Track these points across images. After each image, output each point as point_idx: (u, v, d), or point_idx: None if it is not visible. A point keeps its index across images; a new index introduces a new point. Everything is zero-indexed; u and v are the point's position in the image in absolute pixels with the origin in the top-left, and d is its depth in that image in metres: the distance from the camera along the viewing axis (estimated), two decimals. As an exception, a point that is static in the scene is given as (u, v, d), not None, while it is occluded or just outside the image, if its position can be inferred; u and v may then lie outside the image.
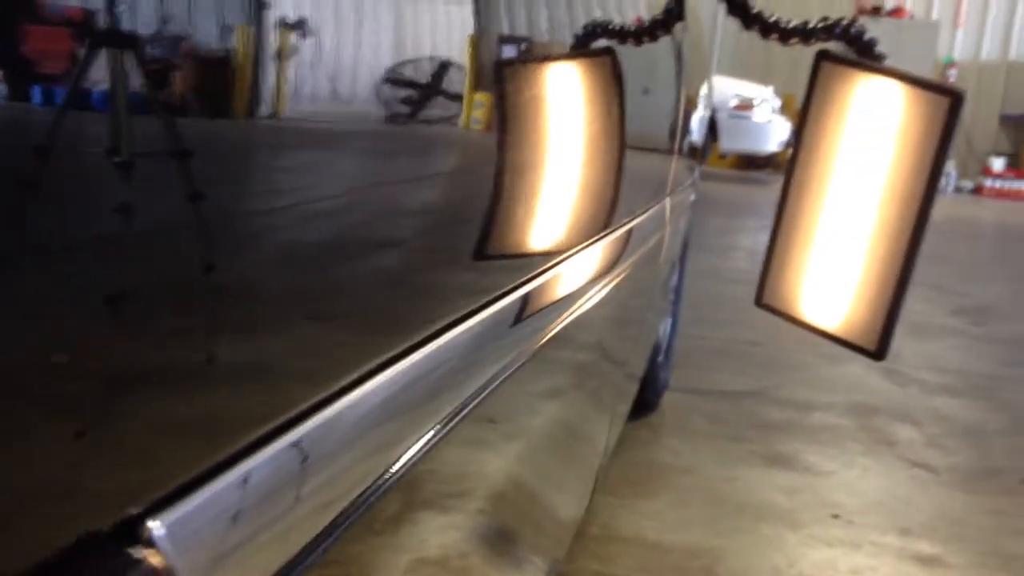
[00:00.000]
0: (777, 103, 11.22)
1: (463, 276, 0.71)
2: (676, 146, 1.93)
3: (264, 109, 0.39)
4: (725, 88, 10.13)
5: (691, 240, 3.07)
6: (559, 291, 0.99)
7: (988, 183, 12.98)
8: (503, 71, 0.73)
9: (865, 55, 1.19)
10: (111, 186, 0.30)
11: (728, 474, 2.46)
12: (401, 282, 0.57)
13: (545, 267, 0.92)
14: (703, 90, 2.56)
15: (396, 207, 0.55)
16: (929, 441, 2.82)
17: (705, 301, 4.22)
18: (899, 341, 1.07)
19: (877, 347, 1.14)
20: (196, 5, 0.33)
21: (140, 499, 0.33)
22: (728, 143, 10.74)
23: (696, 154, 2.56)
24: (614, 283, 1.30)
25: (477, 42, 0.64)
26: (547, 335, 0.92)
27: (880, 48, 1.19)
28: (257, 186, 0.41)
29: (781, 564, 2.00)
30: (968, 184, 13.18)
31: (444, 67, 0.57)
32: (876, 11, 12.72)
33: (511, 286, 0.81)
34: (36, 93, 0.28)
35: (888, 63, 1.13)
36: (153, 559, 0.32)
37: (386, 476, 0.51)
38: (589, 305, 1.13)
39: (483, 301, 0.72)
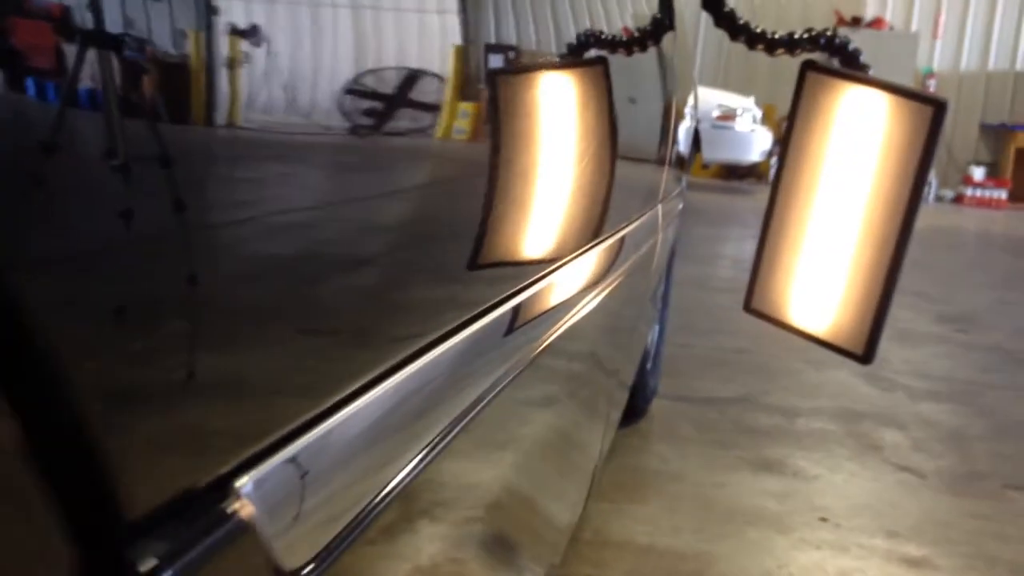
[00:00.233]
0: (759, 113, 11.28)
1: (460, 286, 0.73)
2: (667, 155, 1.96)
3: (224, 116, 0.38)
4: (707, 98, 10.18)
5: (678, 249, 3.10)
6: (558, 298, 1.01)
7: (968, 192, 13.07)
8: (497, 80, 0.75)
9: (849, 65, 1.21)
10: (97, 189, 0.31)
11: (717, 479, 2.48)
12: (394, 294, 0.57)
13: (545, 274, 0.94)
14: (690, 100, 2.59)
15: (384, 219, 0.55)
16: (915, 446, 2.86)
17: (691, 309, 4.25)
18: (884, 347, 1.10)
19: (864, 351, 1.16)
20: (152, 9, 0.32)
21: (230, 461, 0.39)
22: (711, 153, 10.78)
23: (683, 164, 2.59)
24: (610, 290, 1.33)
25: (462, 52, 0.63)
26: (544, 343, 0.94)
27: (864, 58, 1.22)
28: (239, 195, 0.40)
29: (771, 566, 2.02)
30: (949, 193, 13.26)
31: (412, 77, 0.56)
32: (856, 22, 12.79)
33: (511, 292, 0.83)
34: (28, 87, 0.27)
35: (871, 73, 1.16)
36: (244, 511, 0.38)
37: (394, 484, 0.53)
38: (586, 312, 1.15)
39: (480, 310, 0.74)
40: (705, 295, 4.79)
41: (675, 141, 2.12)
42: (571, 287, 1.09)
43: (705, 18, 1.46)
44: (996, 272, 7.15)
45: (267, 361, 0.43)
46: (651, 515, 2.23)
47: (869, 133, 1.11)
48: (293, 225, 0.43)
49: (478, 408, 0.70)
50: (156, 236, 0.34)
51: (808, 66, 1.16)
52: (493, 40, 0.75)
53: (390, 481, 0.53)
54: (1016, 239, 9.42)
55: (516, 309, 0.84)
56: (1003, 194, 12.95)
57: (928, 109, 1.07)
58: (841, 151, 1.14)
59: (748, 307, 1.26)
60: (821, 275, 1.18)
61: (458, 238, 0.69)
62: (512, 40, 0.82)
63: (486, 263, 0.77)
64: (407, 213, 0.59)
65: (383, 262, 0.55)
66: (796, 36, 1.32)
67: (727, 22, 1.36)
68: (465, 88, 0.64)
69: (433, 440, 0.60)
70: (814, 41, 1.30)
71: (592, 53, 1.07)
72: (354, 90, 0.48)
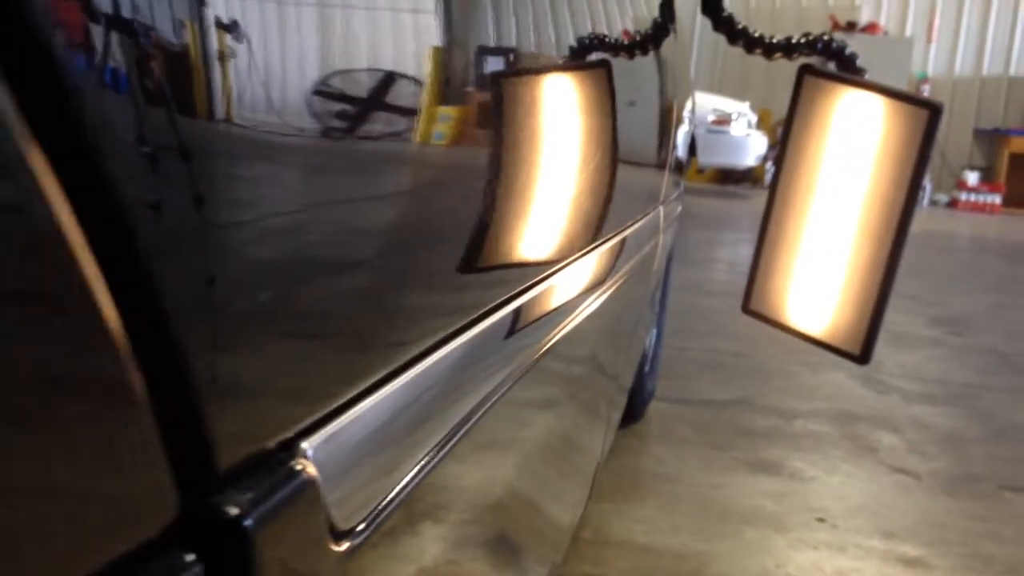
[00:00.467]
0: (754, 118, 11.30)
1: (469, 288, 0.74)
2: (668, 159, 1.99)
3: (222, 110, 0.38)
4: (703, 103, 10.20)
5: (675, 252, 3.12)
6: (564, 299, 1.03)
7: (963, 197, 13.10)
8: (499, 83, 0.76)
9: (846, 69, 1.23)
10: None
11: (714, 480, 2.50)
12: (396, 297, 0.58)
13: (551, 274, 0.96)
14: (688, 105, 2.61)
15: (386, 222, 0.55)
16: (910, 448, 2.88)
17: (687, 312, 4.27)
18: (879, 350, 1.11)
19: (861, 351, 1.17)
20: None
21: (295, 426, 0.44)
22: (706, 157, 10.78)
23: (681, 168, 2.61)
24: (612, 291, 1.35)
25: (442, 54, 0.62)
26: (550, 344, 0.96)
27: (860, 62, 1.24)
28: (237, 192, 0.40)
29: (769, 566, 2.04)
30: (943, 198, 13.30)
31: (387, 80, 0.53)
32: (851, 27, 12.82)
33: (518, 292, 0.85)
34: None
35: (867, 77, 1.17)
36: (309, 470, 0.43)
37: (397, 489, 0.55)
38: (590, 313, 1.17)
39: (488, 310, 0.76)
40: (701, 298, 4.80)
41: (675, 145, 2.14)
42: (577, 288, 1.11)
43: (700, 22, 1.47)
44: (990, 276, 7.17)
45: (274, 363, 0.45)
46: (649, 515, 2.25)
47: (865, 136, 1.13)
48: (293, 226, 0.44)
49: (482, 410, 0.71)
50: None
51: (806, 70, 1.17)
52: (474, 43, 0.76)
53: (393, 488, 0.55)
54: (1010, 244, 9.45)
55: (523, 309, 0.85)
56: (997, 199, 12.98)
57: (924, 112, 1.09)
58: (838, 154, 1.15)
59: (746, 308, 1.27)
60: (818, 277, 1.18)
61: (467, 241, 0.70)
62: (512, 42, 0.83)
63: (495, 265, 0.79)
64: (409, 216, 0.59)
65: (378, 267, 0.55)
66: (794, 40, 1.33)
67: (726, 27, 1.38)
68: (446, 92, 0.63)
69: (439, 442, 0.61)
70: (811, 45, 1.31)
71: (593, 56, 1.08)
72: (323, 92, 0.48)
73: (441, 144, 0.65)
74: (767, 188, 1.19)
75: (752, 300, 1.26)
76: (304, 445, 0.44)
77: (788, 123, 1.17)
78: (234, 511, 0.36)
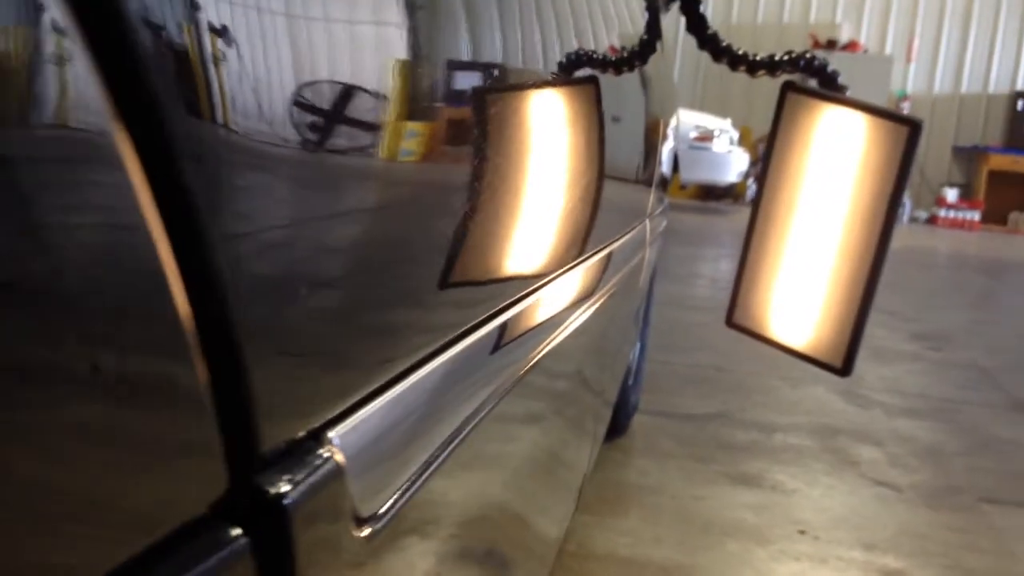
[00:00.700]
0: (735, 135, 11.37)
1: (459, 302, 0.75)
2: (654, 174, 2.01)
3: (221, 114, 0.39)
4: (685, 120, 10.26)
5: (658, 267, 3.14)
6: (552, 312, 1.05)
7: (942, 213, 13.22)
8: (484, 98, 0.77)
9: (828, 87, 1.25)
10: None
11: (697, 493, 2.52)
12: (380, 313, 0.59)
13: (539, 287, 0.98)
14: (672, 121, 2.63)
15: (365, 236, 0.56)
16: (891, 461, 2.90)
17: (669, 327, 4.29)
18: (860, 365, 1.13)
19: (843, 364, 1.19)
20: None
21: (322, 416, 0.47)
22: (688, 174, 10.84)
23: (665, 184, 2.63)
24: (600, 304, 1.36)
25: (409, 68, 0.59)
26: (538, 358, 0.97)
27: (842, 80, 1.26)
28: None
29: (751, 578, 2.06)
30: (923, 214, 13.41)
31: (348, 93, 0.51)
32: (831, 45, 12.94)
33: (506, 305, 0.86)
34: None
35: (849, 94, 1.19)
36: (337, 457, 0.46)
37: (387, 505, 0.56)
38: (577, 327, 1.19)
39: (479, 323, 0.77)
40: (683, 313, 4.83)
41: (660, 160, 2.17)
42: (567, 300, 1.12)
43: (682, 40, 1.49)
44: (969, 292, 7.24)
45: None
46: (632, 527, 2.26)
47: (847, 152, 1.14)
48: (265, 243, 0.45)
49: (468, 426, 0.72)
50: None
51: (788, 87, 1.18)
52: (443, 58, 0.77)
53: (383, 504, 0.56)
54: (988, 260, 9.54)
55: (512, 322, 0.87)
56: (976, 215, 13.11)
57: (904, 129, 1.10)
58: (820, 169, 1.16)
59: (730, 322, 1.28)
60: (801, 290, 1.19)
61: (459, 254, 0.72)
62: (504, 58, 0.84)
63: (486, 279, 0.81)
64: (388, 230, 0.59)
65: (362, 284, 0.56)
66: (777, 58, 1.35)
67: (710, 45, 1.39)
68: (413, 107, 0.61)
69: (427, 459, 0.62)
70: (794, 63, 1.33)
71: (582, 72, 1.10)
72: (300, 103, 0.47)
73: (442, 158, 0.67)
74: (749, 204, 1.21)
75: (736, 314, 1.27)
76: (331, 434, 0.47)
77: (771, 139, 1.18)
78: (276, 490, 0.40)
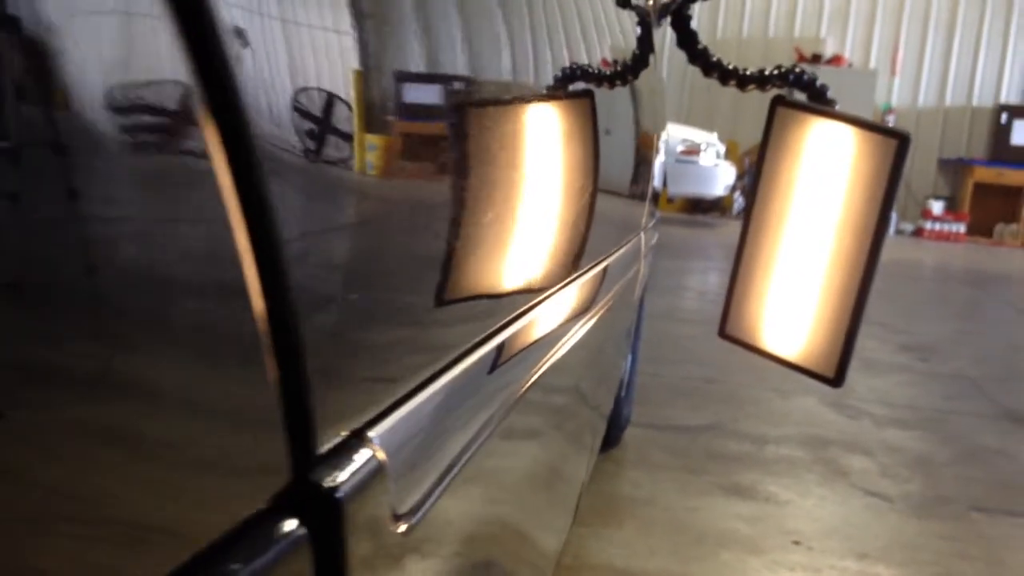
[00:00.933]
0: (722, 148, 11.41)
1: (460, 319, 0.76)
2: (648, 187, 2.03)
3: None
4: (672, 133, 10.30)
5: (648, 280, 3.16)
6: (550, 328, 1.06)
7: (928, 226, 13.27)
8: (469, 112, 0.78)
9: (817, 100, 1.27)
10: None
11: (690, 504, 2.53)
12: (402, 325, 0.61)
13: (538, 302, 1.00)
14: (663, 135, 2.66)
15: (371, 249, 0.56)
16: (882, 471, 2.92)
17: (659, 340, 4.31)
18: (848, 376, 1.14)
19: (835, 374, 1.20)
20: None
21: (363, 417, 0.51)
22: (676, 187, 10.86)
23: (657, 197, 2.65)
24: (599, 319, 1.38)
25: (363, 78, 0.55)
26: (538, 373, 0.98)
27: (831, 94, 1.28)
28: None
29: (745, 588, 2.07)
30: (909, 227, 13.47)
31: (331, 102, 0.49)
32: (816, 59, 13.01)
33: (506, 322, 0.87)
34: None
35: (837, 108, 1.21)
36: (379, 455, 0.49)
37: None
38: (576, 342, 1.20)
39: (480, 341, 0.79)
40: (672, 326, 4.85)
41: (653, 174, 2.19)
42: (569, 313, 1.14)
43: (669, 53, 1.51)
44: (955, 303, 7.28)
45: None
46: (627, 539, 2.27)
47: (836, 165, 1.15)
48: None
49: (480, 439, 0.73)
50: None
51: (778, 101, 1.20)
52: (476, 71, 0.78)
53: (416, 502, 0.59)
54: (974, 271, 9.59)
55: (511, 339, 0.88)
56: (961, 228, 13.17)
57: (892, 142, 1.12)
58: (810, 182, 1.17)
59: (723, 333, 1.29)
60: (793, 302, 1.20)
61: (460, 270, 0.72)
62: (502, 73, 0.85)
63: (487, 294, 0.82)
64: (398, 243, 0.60)
65: (361, 302, 0.56)
66: (766, 72, 1.37)
67: (701, 60, 1.41)
68: (370, 119, 0.57)
69: (447, 465, 0.64)
70: (783, 77, 1.34)
71: (578, 86, 1.12)
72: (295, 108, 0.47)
73: (445, 172, 0.68)
74: (736, 217, 1.22)
75: (728, 325, 1.28)
76: (371, 434, 0.50)
77: (761, 152, 1.20)
78: (331, 485, 0.43)
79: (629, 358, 2.97)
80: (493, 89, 0.83)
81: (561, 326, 1.09)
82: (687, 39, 1.41)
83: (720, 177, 11.14)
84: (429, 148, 0.63)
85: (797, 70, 1.32)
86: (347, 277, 0.50)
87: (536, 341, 0.96)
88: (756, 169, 1.22)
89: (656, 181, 2.45)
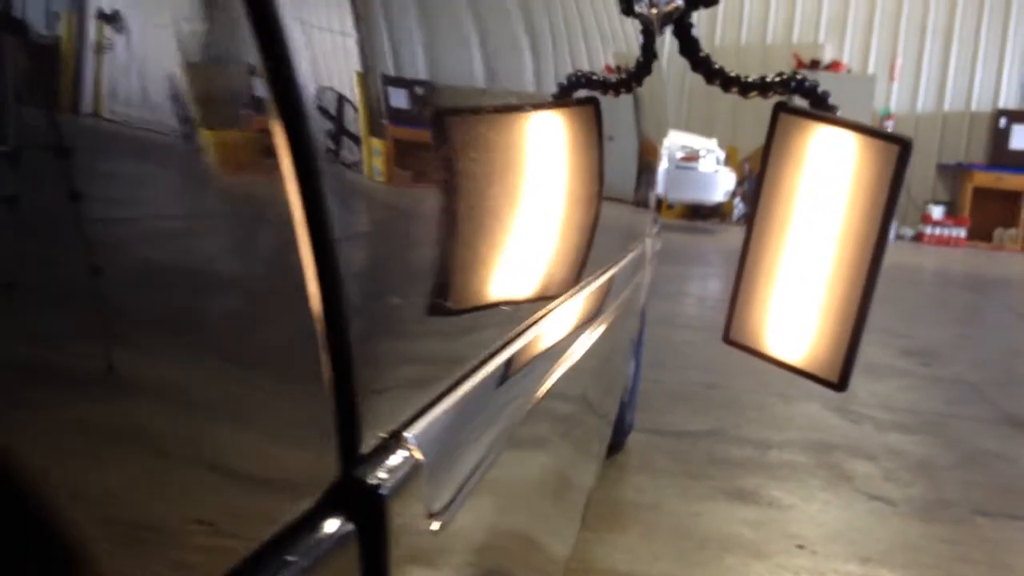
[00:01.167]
0: (721, 155, 11.42)
1: (475, 328, 0.78)
2: (653, 194, 2.04)
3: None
4: (672, 140, 10.30)
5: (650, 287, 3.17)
6: (560, 337, 1.07)
7: (928, 231, 13.29)
8: (487, 118, 0.78)
9: (819, 107, 1.27)
10: None
11: (693, 509, 2.54)
12: (414, 337, 0.61)
13: (545, 312, 1.01)
14: (665, 142, 2.67)
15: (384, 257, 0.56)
16: (885, 475, 2.93)
17: (660, 346, 4.31)
18: (851, 381, 1.15)
19: (839, 379, 1.21)
20: None
21: (400, 419, 0.53)
22: (675, 194, 10.87)
23: (660, 203, 2.67)
24: (608, 325, 1.39)
25: (367, 83, 0.53)
26: (549, 383, 0.99)
27: (830, 100, 1.29)
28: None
29: (750, 592, 2.08)
30: (909, 232, 13.48)
31: (345, 104, 0.50)
32: (814, 66, 13.02)
33: (516, 334, 0.89)
34: None
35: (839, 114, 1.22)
36: (415, 453, 0.52)
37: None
38: (585, 350, 1.21)
39: (501, 345, 0.81)
40: (673, 332, 4.86)
41: (657, 180, 2.20)
42: (581, 318, 1.15)
43: (668, 61, 1.52)
44: (956, 308, 7.29)
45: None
46: (631, 543, 2.28)
47: (839, 170, 1.16)
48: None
49: (484, 463, 0.75)
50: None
51: (780, 107, 1.20)
52: (482, 80, 0.79)
53: (447, 500, 0.62)
54: (974, 276, 9.60)
55: (523, 350, 0.89)
56: (962, 232, 13.18)
57: (895, 148, 1.13)
58: (813, 187, 1.18)
59: (727, 339, 1.29)
60: (796, 307, 1.21)
61: (475, 279, 0.74)
62: (510, 81, 0.86)
63: (502, 301, 0.83)
64: (409, 249, 0.60)
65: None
66: (768, 79, 1.37)
67: (703, 67, 1.42)
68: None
69: (447, 498, 0.65)
70: (785, 84, 1.35)
71: (584, 93, 1.13)
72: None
73: (456, 178, 0.68)
74: (735, 224, 1.23)
75: (732, 330, 1.28)
76: (407, 434, 0.52)
77: (764, 158, 1.20)
78: (375, 482, 0.46)
79: (632, 364, 2.98)
80: (514, 98, 0.84)
81: (575, 330, 1.10)
82: (689, 47, 1.42)
83: (720, 183, 11.15)
84: (444, 156, 0.64)
85: (799, 77, 1.33)
86: (390, 285, 0.53)
87: (552, 346, 0.98)
88: (759, 175, 1.22)
89: (660, 187, 2.46)
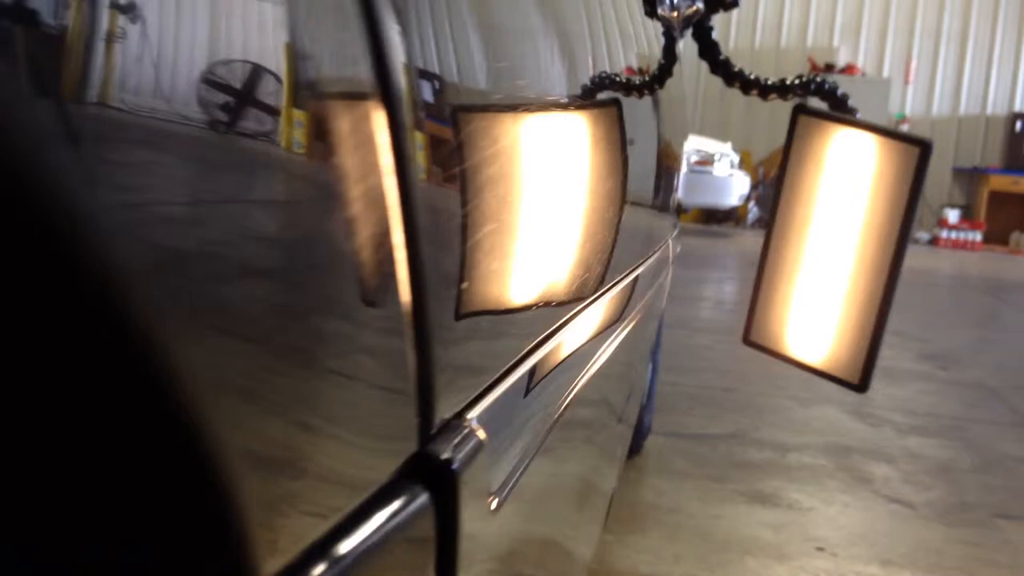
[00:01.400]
0: (736, 158, 11.41)
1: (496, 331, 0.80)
2: (673, 198, 2.05)
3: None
4: (687, 143, 10.29)
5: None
6: (587, 339, 1.08)
7: (944, 234, 13.24)
8: (508, 119, 0.78)
9: (838, 109, 1.28)
10: None
11: (713, 511, 2.54)
12: (475, 323, 0.64)
13: (586, 306, 1.03)
14: (685, 146, 2.68)
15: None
16: (904, 478, 2.93)
17: (677, 349, 4.32)
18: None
19: (860, 380, 1.21)
20: None
21: (466, 399, 0.58)
22: (690, 197, 10.86)
23: (679, 207, 2.68)
24: (632, 326, 1.40)
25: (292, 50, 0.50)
26: (578, 385, 1.00)
27: (852, 102, 1.29)
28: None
29: (771, 594, 2.08)
30: (925, 236, 13.43)
31: (257, 74, 0.45)
32: (829, 69, 12.99)
33: (550, 333, 0.90)
34: None
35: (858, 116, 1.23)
36: (479, 432, 0.56)
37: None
38: (611, 352, 1.22)
39: (543, 339, 0.84)
40: (689, 335, 4.86)
41: (678, 182, 2.22)
42: (607, 321, 1.18)
43: (682, 64, 1.53)
44: (973, 312, 7.26)
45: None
46: (652, 545, 2.29)
47: (859, 172, 1.16)
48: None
49: (515, 474, 0.77)
50: None
51: (800, 110, 1.21)
52: (506, 79, 0.80)
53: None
54: (991, 280, 9.56)
55: (555, 350, 0.90)
56: (978, 236, 13.12)
57: (915, 149, 1.13)
58: (832, 189, 1.18)
59: (747, 340, 1.30)
60: (817, 308, 1.21)
61: (517, 276, 0.75)
62: (538, 83, 0.87)
63: (540, 300, 0.84)
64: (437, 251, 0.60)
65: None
66: (788, 82, 1.38)
67: (723, 70, 1.43)
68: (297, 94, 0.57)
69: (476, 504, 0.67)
70: (805, 86, 1.35)
71: (606, 95, 1.14)
72: (207, 80, 0.40)
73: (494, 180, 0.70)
74: (750, 227, 1.24)
75: (752, 332, 1.29)
76: (470, 415, 0.56)
77: (783, 160, 1.21)
78: (445, 456, 0.49)
79: (650, 367, 2.99)
80: (548, 100, 0.87)
81: (606, 330, 1.12)
82: (709, 49, 1.43)
83: (734, 187, 11.14)
84: (479, 156, 0.64)
85: (819, 79, 1.34)
86: (462, 281, 0.57)
87: (589, 340, 1.04)
88: (778, 177, 1.23)
89: (680, 189, 2.47)
